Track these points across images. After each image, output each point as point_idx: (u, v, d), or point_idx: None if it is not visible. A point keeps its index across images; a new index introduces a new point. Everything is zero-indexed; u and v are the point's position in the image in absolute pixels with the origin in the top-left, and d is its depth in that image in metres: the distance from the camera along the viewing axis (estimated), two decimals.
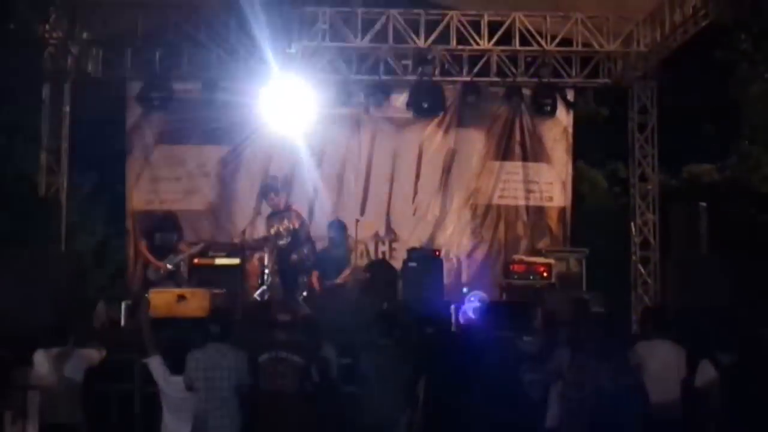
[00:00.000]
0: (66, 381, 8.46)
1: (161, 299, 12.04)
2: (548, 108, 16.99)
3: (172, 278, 12.96)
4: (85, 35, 16.42)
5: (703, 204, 14.50)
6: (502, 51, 16.81)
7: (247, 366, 7.68)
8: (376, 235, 17.31)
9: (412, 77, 16.82)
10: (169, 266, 13.09)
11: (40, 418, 8.54)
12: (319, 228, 15.60)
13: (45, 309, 12.58)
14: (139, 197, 17.34)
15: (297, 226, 13.49)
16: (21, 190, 13.56)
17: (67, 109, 16.59)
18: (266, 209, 15.26)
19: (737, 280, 12.56)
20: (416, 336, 9.01)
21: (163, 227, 13.24)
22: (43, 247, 13.70)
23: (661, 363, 8.27)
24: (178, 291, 12.29)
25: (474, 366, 7.56)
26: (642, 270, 16.75)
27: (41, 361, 8.53)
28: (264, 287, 14.39)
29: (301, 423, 7.71)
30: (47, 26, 15.76)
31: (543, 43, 16.50)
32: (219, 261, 14.83)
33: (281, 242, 13.40)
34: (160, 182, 17.39)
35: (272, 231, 13.62)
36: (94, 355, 8.72)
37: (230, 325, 7.99)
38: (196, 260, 13.82)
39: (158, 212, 15.28)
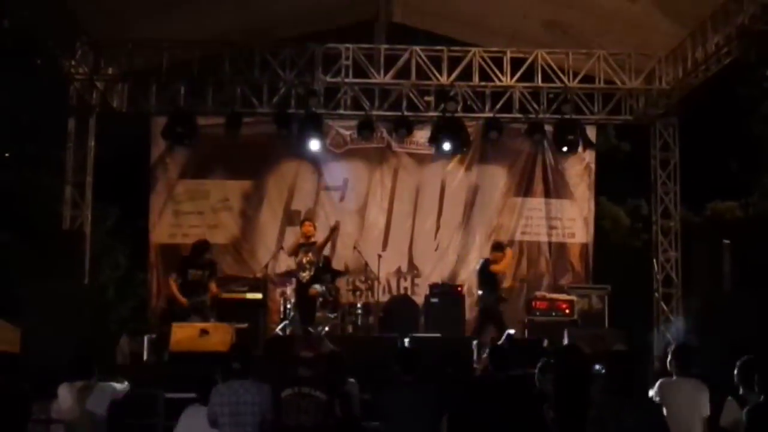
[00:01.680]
0: (89, 415, 8.46)
1: (184, 333, 12.11)
2: (571, 144, 16.91)
3: (197, 312, 12.94)
4: (110, 70, 16.61)
5: (727, 241, 14.46)
6: (525, 87, 16.88)
7: (270, 401, 7.68)
8: (399, 270, 17.35)
9: (434, 113, 16.85)
10: (191, 304, 13.06)
11: None
12: (340, 263, 15.69)
13: (69, 342, 12.76)
14: (162, 231, 17.42)
15: (321, 264, 13.51)
16: (46, 223, 13.63)
17: (92, 143, 16.72)
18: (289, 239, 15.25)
19: (761, 317, 12.51)
20: (438, 374, 9.03)
21: (197, 264, 13.22)
22: (67, 281, 13.73)
23: (684, 401, 8.21)
24: (200, 325, 12.32)
25: (497, 404, 7.55)
26: (664, 307, 16.68)
27: (65, 394, 8.55)
28: (286, 322, 14.42)
29: None
30: (73, 62, 15.91)
31: (565, 79, 16.58)
32: (242, 295, 14.92)
33: (303, 274, 13.41)
34: (182, 216, 17.51)
35: (297, 262, 13.65)
36: (117, 388, 8.74)
37: (251, 362, 7.99)
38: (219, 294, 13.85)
39: (184, 247, 15.22)
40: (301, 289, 13.47)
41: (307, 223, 14.24)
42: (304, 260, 13.55)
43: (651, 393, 7.90)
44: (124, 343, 13.38)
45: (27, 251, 15.59)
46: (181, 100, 16.61)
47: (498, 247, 15.01)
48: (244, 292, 15.17)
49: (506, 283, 17.42)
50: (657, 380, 8.56)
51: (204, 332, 12.06)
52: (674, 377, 8.60)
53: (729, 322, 12.60)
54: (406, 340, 12.52)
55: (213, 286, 13.31)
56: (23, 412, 7.87)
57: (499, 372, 8.68)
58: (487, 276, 14.67)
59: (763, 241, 19.14)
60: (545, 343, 12.95)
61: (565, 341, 12.53)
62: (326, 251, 15.15)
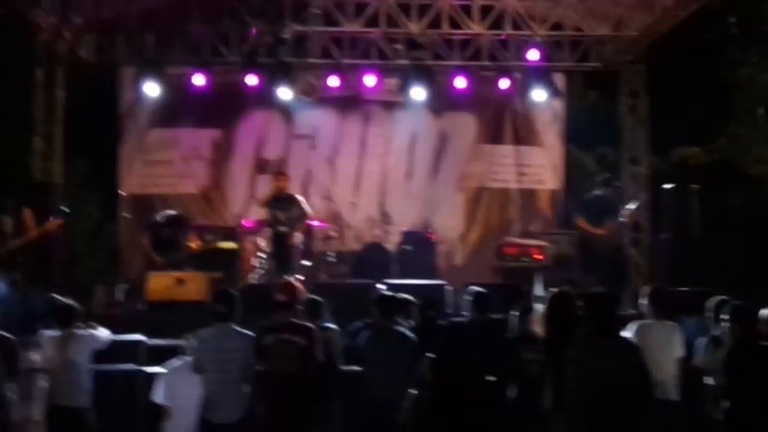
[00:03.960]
0: (71, 363, 8.50)
1: (160, 283, 12.14)
2: (539, 92, 16.96)
3: (174, 268, 12.95)
4: (78, 20, 16.43)
5: (695, 186, 14.65)
6: (494, 35, 16.87)
7: (253, 347, 7.77)
8: (370, 218, 17.40)
9: (404, 62, 16.82)
10: (166, 261, 13.04)
11: (47, 400, 8.63)
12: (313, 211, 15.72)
13: (43, 293, 12.77)
14: (133, 181, 17.39)
15: (298, 215, 13.48)
16: (16, 175, 13.54)
17: (61, 94, 16.60)
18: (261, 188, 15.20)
19: (728, 259, 12.72)
20: (419, 319, 9.14)
21: (172, 225, 13.18)
22: None
23: (658, 342, 8.40)
24: (176, 275, 12.35)
25: (476, 346, 7.65)
26: (634, 251, 16.83)
27: (47, 344, 8.59)
28: (261, 270, 14.46)
29: (306, 403, 7.79)
30: (40, 11, 15.74)
31: (534, 27, 16.58)
32: (215, 245, 14.94)
33: (281, 229, 13.41)
34: (153, 166, 17.54)
35: (272, 215, 13.60)
36: (99, 337, 8.78)
37: (234, 306, 8.05)
38: (192, 245, 13.87)
39: (155, 197, 15.18)
40: (278, 238, 13.47)
41: (281, 176, 14.10)
42: (281, 216, 13.49)
43: (627, 335, 8.03)
44: (100, 293, 13.39)
45: None
46: (150, 49, 16.49)
47: None
48: (218, 241, 15.18)
49: (475, 231, 17.67)
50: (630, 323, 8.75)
51: (180, 281, 12.10)
52: (649, 320, 8.78)
53: (698, 264, 12.83)
54: (383, 287, 12.58)
55: (192, 239, 13.31)
56: (9, 361, 7.97)
57: (480, 315, 8.82)
58: None
59: (728, 186, 19.48)
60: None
61: (538, 286, 12.64)
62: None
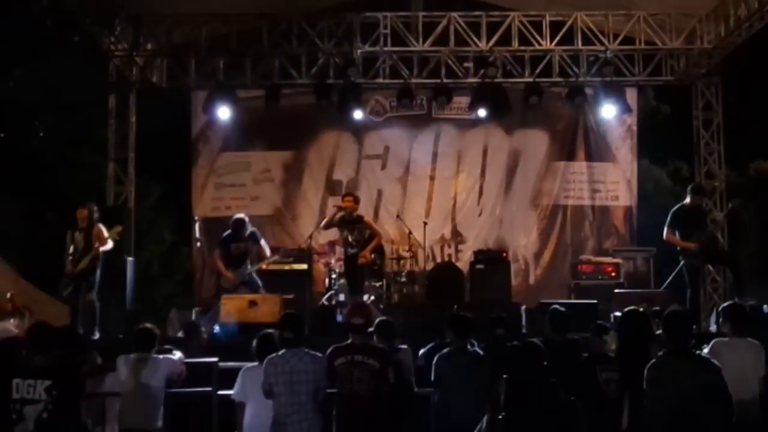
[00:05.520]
0: (144, 387, 8.51)
1: (233, 305, 12.17)
2: (612, 107, 16.76)
3: (245, 284, 12.98)
4: (149, 46, 16.66)
5: None
6: (564, 51, 16.75)
7: (324, 370, 7.71)
8: (442, 237, 17.41)
9: (474, 80, 16.76)
10: (239, 280, 13.07)
11: (119, 424, 8.67)
12: (383, 232, 15.64)
13: (118, 317, 12.92)
14: (205, 205, 17.52)
15: (367, 237, 13.42)
16: (90, 200, 13.68)
17: (134, 119, 16.84)
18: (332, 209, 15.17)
19: None
20: (490, 338, 9.02)
21: (238, 238, 13.20)
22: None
23: (739, 361, 8.13)
24: (249, 297, 12.37)
25: (550, 367, 7.53)
26: (710, 267, 16.50)
27: (121, 367, 8.62)
28: (332, 291, 14.45)
29: (379, 425, 7.72)
30: (112, 38, 15.98)
31: (605, 41, 16.42)
32: (287, 266, 14.97)
33: (351, 251, 13.35)
34: (225, 189, 17.65)
35: (343, 237, 13.57)
36: (173, 360, 8.78)
37: (303, 330, 8.02)
38: (264, 266, 13.89)
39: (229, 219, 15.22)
40: (349, 259, 13.42)
41: (347, 198, 13.94)
42: (350, 238, 13.43)
43: (704, 353, 7.82)
44: (173, 317, 13.46)
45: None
46: (221, 73, 16.62)
47: None
48: (289, 263, 15.20)
49: (549, 249, 17.49)
50: (708, 341, 8.53)
51: (253, 303, 12.11)
52: (727, 337, 8.55)
53: None
54: (454, 308, 12.47)
55: (264, 251, 13.31)
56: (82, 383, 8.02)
57: (557, 335, 8.68)
58: None
59: None
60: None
61: (614, 304, 12.47)
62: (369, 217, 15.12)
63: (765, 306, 11.77)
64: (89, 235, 12.37)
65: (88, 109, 18.60)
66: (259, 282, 13.14)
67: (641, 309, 7.74)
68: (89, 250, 12.27)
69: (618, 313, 11.86)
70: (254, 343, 8.35)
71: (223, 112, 16.47)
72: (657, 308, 9.20)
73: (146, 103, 17.22)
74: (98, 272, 12.45)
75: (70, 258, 12.43)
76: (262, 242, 13.35)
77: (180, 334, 12.61)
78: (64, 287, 12.48)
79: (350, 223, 13.30)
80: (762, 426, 8.28)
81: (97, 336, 12.26)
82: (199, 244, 15.55)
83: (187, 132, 17.84)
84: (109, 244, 12.51)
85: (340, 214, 13.36)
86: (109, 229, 12.48)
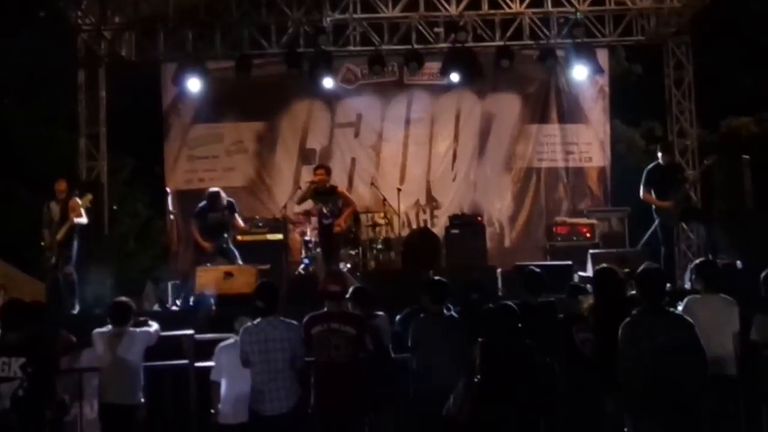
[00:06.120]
0: (121, 361, 8.49)
1: (209, 277, 12.14)
2: (583, 69, 16.74)
3: (222, 255, 12.95)
4: (117, 19, 16.50)
5: (746, 157, 14.37)
6: (535, 13, 16.71)
7: (300, 338, 7.72)
8: (417, 203, 17.39)
9: (444, 45, 16.71)
10: (215, 247, 13.04)
11: (99, 398, 8.66)
12: (358, 200, 15.61)
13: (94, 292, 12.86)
14: (178, 177, 17.42)
15: (341, 206, 13.39)
16: (62, 177, 13.61)
17: (104, 94, 16.71)
18: (305, 184, 15.10)
19: None
20: (466, 302, 9.00)
21: (215, 207, 13.16)
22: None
23: (713, 317, 8.18)
24: (224, 268, 12.35)
25: (526, 329, 7.56)
26: (684, 225, 16.53)
27: (98, 341, 8.59)
28: (307, 260, 14.43)
29: (357, 392, 7.74)
30: (79, 12, 15.83)
31: (575, 3, 16.39)
32: (262, 237, 14.95)
33: (326, 221, 13.33)
34: (198, 161, 17.53)
35: (318, 209, 13.54)
36: (149, 333, 8.77)
37: (275, 299, 8.01)
38: (239, 237, 13.87)
39: (201, 192, 15.15)
40: (325, 229, 13.40)
41: (318, 171, 13.87)
42: (325, 210, 13.40)
43: (678, 310, 7.84)
44: (149, 290, 13.43)
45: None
46: (190, 45, 16.52)
47: None
48: (264, 233, 15.19)
49: (524, 212, 17.51)
50: (682, 298, 8.56)
51: (228, 275, 12.09)
52: (701, 294, 8.59)
53: (752, 238, 12.57)
54: (430, 272, 12.46)
55: (238, 222, 13.31)
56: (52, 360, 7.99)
57: (532, 297, 8.68)
58: None
59: None
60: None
61: (589, 264, 12.51)
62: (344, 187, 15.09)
63: (738, 263, 11.83)
64: (66, 207, 12.41)
65: (57, 85, 18.43)
66: (236, 252, 13.11)
67: (610, 267, 7.76)
68: (65, 221, 12.29)
69: (582, 273, 12.00)
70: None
71: (194, 84, 16.35)
72: (627, 270, 9.17)
73: (116, 78, 17.06)
74: (75, 244, 12.48)
75: (47, 230, 12.45)
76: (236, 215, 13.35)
77: (156, 307, 12.61)
78: (47, 261, 12.49)
79: (324, 194, 13.28)
80: (739, 381, 8.36)
81: (77, 309, 12.28)
82: (172, 216, 15.43)
83: (158, 105, 17.70)
84: (84, 218, 12.51)
85: (312, 186, 13.35)
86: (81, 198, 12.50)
